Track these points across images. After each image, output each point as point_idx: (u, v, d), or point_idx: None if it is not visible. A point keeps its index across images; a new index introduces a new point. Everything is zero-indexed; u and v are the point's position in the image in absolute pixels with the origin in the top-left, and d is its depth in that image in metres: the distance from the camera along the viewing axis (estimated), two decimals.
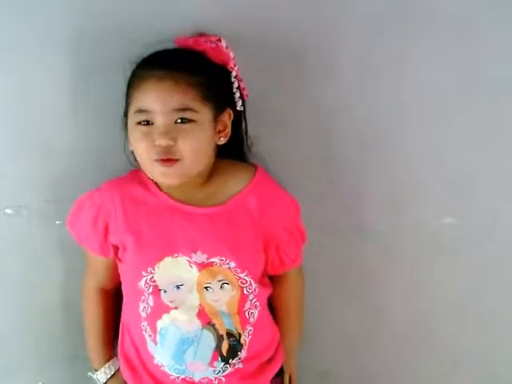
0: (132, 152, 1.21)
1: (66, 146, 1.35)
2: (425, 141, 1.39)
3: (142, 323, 1.23)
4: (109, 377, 1.34)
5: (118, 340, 1.33)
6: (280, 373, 1.34)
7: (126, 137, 1.21)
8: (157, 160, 1.14)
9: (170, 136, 1.12)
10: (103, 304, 1.34)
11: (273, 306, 1.35)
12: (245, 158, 1.30)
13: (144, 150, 1.15)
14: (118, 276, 1.29)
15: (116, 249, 1.24)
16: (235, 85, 1.22)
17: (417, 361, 1.52)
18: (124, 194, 1.22)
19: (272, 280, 1.33)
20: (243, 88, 1.24)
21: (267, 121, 1.32)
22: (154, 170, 1.16)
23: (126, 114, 1.20)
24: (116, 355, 1.34)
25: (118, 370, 1.34)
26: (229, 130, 1.22)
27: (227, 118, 1.21)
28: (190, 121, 1.13)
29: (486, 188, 1.42)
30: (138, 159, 1.19)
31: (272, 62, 1.31)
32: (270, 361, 1.30)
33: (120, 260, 1.25)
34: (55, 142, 1.35)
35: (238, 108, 1.23)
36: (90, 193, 1.24)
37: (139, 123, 1.15)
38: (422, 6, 1.32)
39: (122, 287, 1.29)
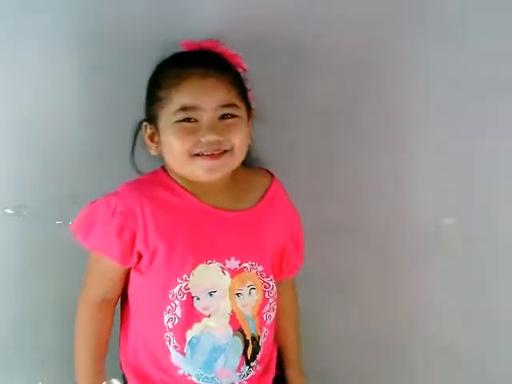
0: (158, 155, 1.18)
1: (66, 145, 1.35)
2: (424, 141, 1.39)
3: (166, 334, 1.17)
4: None
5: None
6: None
7: (135, 142, 1.20)
8: (198, 154, 1.12)
9: (218, 132, 1.12)
10: (106, 316, 1.23)
11: None
12: (248, 160, 1.28)
13: (183, 146, 1.12)
14: (124, 286, 1.23)
15: (140, 258, 1.18)
16: (248, 85, 1.21)
17: (416, 360, 1.52)
18: (152, 199, 1.15)
19: None
20: (249, 89, 1.23)
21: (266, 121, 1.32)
22: (195, 165, 1.13)
23: (149, 118, 1.18)
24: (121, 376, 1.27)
25: None
26: (251, 131, 1.22)
27: (250, 119, 1.21)
28: (234, 116, 1.14)
29: (485, 188, 1.42)
30: (171, 158, 1.15)
31: (270, 62, 1.32)
32: (270, 360, 1.30)
33: (139, 270, 1.18)
34: (55, 142, 1.35)
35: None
36: (106, 198, 1.16)
37: (179, 121, 1.13)
38: (422, 6, 1.32)
39: (135, 299, 1.22)
